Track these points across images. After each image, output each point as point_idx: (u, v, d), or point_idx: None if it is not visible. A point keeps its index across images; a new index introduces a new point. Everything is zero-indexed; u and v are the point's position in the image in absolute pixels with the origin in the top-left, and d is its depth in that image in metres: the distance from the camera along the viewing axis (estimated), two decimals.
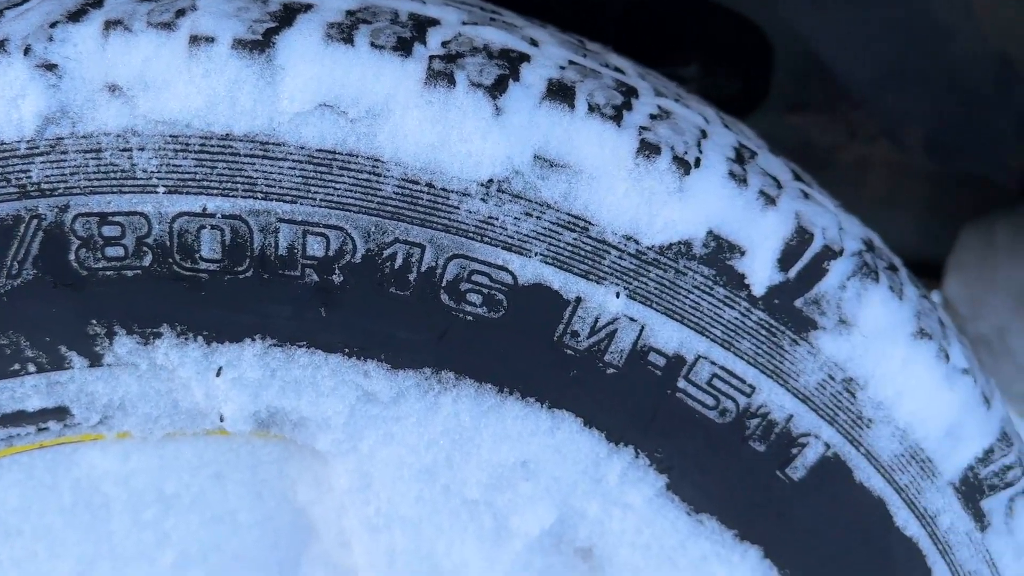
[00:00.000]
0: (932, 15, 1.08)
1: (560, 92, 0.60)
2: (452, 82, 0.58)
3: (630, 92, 0.65)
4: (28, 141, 0.56)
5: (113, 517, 0.70)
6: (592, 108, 0.61)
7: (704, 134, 0.67)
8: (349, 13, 0.60)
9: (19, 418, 0.64)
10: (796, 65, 1.55)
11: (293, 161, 0.58)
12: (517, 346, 0.64)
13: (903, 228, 1.62)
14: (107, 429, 0.65)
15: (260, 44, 0.56)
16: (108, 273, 0.59)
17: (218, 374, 0.62)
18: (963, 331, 1.44)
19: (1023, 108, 1.30)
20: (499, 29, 0.66)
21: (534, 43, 0.67)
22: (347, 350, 0.63)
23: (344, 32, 0.58)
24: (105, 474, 0.68)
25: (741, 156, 0.67)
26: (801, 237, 0.65)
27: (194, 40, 0.56)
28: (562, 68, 0.64)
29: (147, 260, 0.59)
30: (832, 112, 1.53)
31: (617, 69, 0.71)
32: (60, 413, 0.64)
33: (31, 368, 0.62)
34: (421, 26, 0.61)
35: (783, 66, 1.54)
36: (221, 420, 0.64)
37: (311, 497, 0.69)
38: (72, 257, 0.58)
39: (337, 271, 0.60)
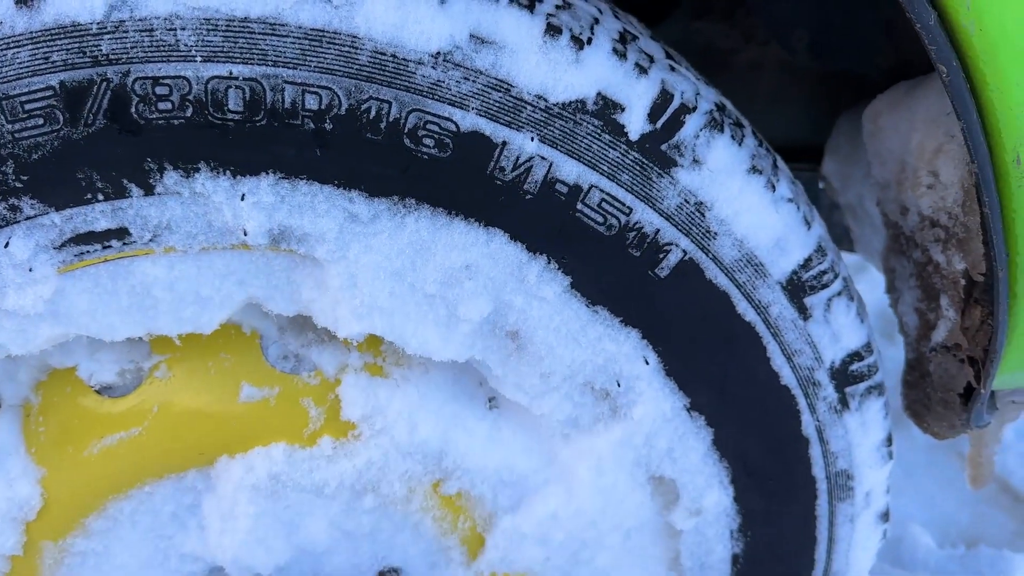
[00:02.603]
0: None
1: None
2: None
3: None
4: (99, 23, 0.77)
5: (160, 316, 0.92)
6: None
7: (596, 21, 0.89)
8: None
9: (89, 237, 0.85)
10: None
11: (294, 37, 0.79)
12: (460, 178, 0.87)
13: (792, 119, 1.87)
14: (157, 245, 0.86)
15: None
16: (160, 122, 0.80)
17: (242, 199, 0.84)
18: (836, 201, 1.71)
19: (887, 14, 1.53)
20: None
21: None
22: (336, 181, 0.86)
23: None
24: (155, 281, 0.88)
25: (624, 38, 0.91)
26: (664, 98, 0.89)
27: None
28: None
29: (188, 112, 0.80)
30: (731, 19, 1.75)
31: None
32: (121, 233, 0.85)
33: (100, 197, 0.83)
34: None
35: None
36: (245, 235, 0.86)
37: (312, 296, 0.92)
38: (133, 110, 0.79)
39: (328, 121, 0.82)
